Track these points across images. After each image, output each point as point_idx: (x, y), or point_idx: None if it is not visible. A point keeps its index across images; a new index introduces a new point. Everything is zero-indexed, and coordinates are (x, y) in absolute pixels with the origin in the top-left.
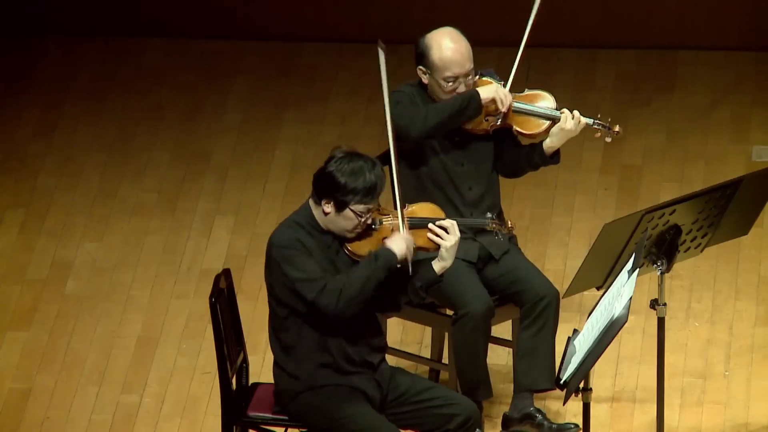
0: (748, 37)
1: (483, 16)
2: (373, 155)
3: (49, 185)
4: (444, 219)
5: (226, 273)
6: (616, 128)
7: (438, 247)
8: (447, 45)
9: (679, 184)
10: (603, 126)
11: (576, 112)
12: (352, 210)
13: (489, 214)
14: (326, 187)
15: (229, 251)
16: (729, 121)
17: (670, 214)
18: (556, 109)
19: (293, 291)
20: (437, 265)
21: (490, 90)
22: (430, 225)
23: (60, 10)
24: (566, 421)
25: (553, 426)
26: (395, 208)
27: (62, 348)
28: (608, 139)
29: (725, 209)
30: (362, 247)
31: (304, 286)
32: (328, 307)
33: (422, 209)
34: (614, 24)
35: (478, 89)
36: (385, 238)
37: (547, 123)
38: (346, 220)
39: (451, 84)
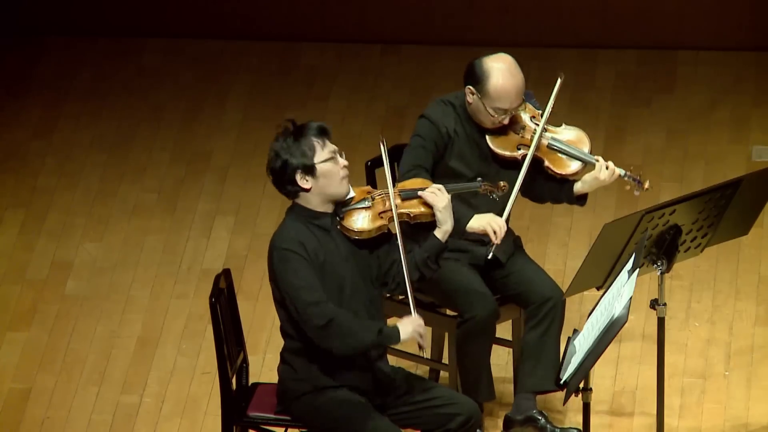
0: (748, 37)
1: (483, 17)
2: (373, 155)
3: (49, 185)
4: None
5: (226, 273)
6: (646, 185)
7: (432, 213)
8: (506, 79)
9: (679, 184)
10: (633, 179)
11: (611, 164)
12: (322, 165)
13: (479, 179)
14: (286, 170)
15: (229, 251)
16: (729, 121)
17: (670, 214)
18: (590, 153)
19: (289, 294)
20: (439, 232)
21: (482, 221)
22: (420, 192)
23: (60, 10)
24: (567, 420)
25: (556, 430)
26: (385, 187)
27: (62, 348)
28: (636, 193)
29: (725, 209)
30: (358, 224)
31: (301, 293)
32: (313, 319)
33: (412, 183)
34: (614, 24)
35: (474, 217)
36: (380, 213)
37: (579, 165)
38: (327, 178)
39: (498, 116)
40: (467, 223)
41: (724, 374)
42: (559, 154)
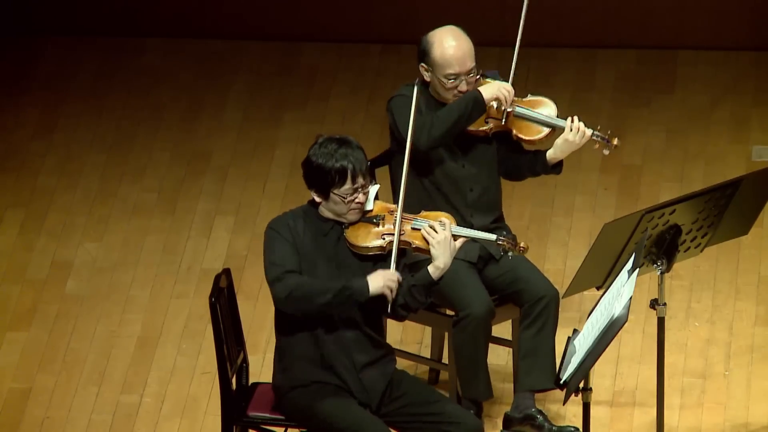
0: (748, 37)
1: (483, 16)
2: (373, 155)
3: (49, 185)
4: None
5: (226, 273)
6: (615, 141)
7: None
8: (449, 43)
9: (679, 184)
10: (602, 138)
11: (581, 124)
12: (335, 194)
13: (504, 233)
14: (307, 176)
15: (229, 251)
16: (729, 121)
17: (670, 214)
18: (559, 117)
19: (265, 270)
20: (431, 267)
21: (492, 89)
22: (425, 225)
23: (60, 10)
24: (566, 420)
25: (554, 428)
26: (399, 209)
27: (62, 348)
28: (606, 152)
29: (725, 209)
30: (358, 237)
31: (270, 268)
32: (277, 294)
33: (436, 216)
34: (614, 24)
35: (481, 89)
36: (383, 234)
37: (547, 130)
38: (336, 205)
39: (452, 81)
40: (482, 96)
41: (724, 374)
42: (526, 121)
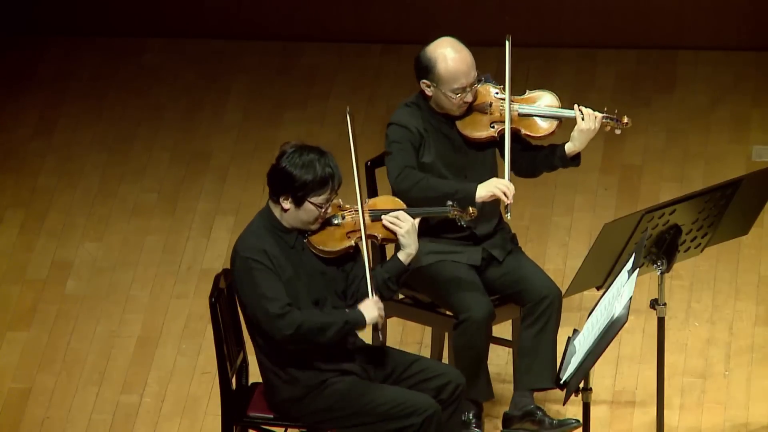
0: (748, 37)
1: (482, 16)
2: (373, 156)
3: (49, 185)
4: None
5: (226, 273)
6: (625, 119)
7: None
8: (451, 56)
9: (679, 184)
10: (611, 119)
11: (588, 110)
12: (310, 203)
13: (449, 202)
14: (281, 183)
15: (229, 251)
16: (729, 121)
17: (670, 214)
18: (562, 108)
19: (252, 304)
20: (402, 254)
21: (490, 186)
22: (383, 217)
23: (60, 10)
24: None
25: (554, 422)
26: (357, 204)
27: (62, 348)
28: (618, 131)
29: (725, 209)
30: (325, 242)
31: (267, 303)
32: (282, 331)
33: (383, 202)
34: (614, 24)
35: (479, 187)
36: (348, 233)
37: (555, 123)
38: (306, 213)
39: (459, 95)
40: (474, 194)
41: (724, 374)
42: (533, 118)
